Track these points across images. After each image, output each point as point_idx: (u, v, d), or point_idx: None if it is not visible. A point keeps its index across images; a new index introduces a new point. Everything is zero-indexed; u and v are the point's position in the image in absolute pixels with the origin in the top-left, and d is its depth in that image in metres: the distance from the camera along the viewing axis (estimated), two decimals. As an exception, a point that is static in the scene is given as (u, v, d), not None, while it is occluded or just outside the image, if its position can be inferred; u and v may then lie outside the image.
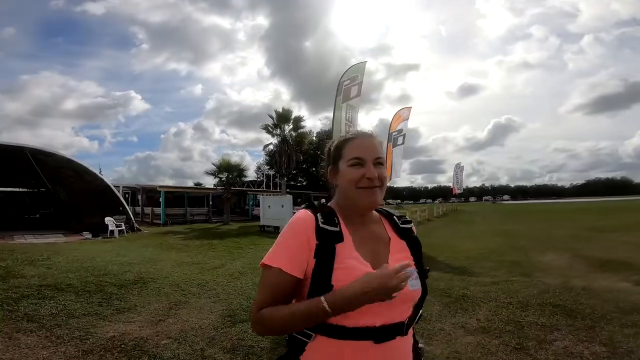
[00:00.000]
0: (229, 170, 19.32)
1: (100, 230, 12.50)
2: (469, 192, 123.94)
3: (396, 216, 0.98)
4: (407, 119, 13.43)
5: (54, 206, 16.95)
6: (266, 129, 21.48)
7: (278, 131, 21.71)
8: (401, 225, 0.96)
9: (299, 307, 0.81)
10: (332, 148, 0.98)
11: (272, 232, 14.86)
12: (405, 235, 0.95)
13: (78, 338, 3.17)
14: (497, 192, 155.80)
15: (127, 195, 22.04)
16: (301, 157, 26.83)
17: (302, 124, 22.29)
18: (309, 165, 44.52)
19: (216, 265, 6.97)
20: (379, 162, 0.90)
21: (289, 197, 16.01)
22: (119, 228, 12.92)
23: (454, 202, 61.64)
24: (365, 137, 0.93)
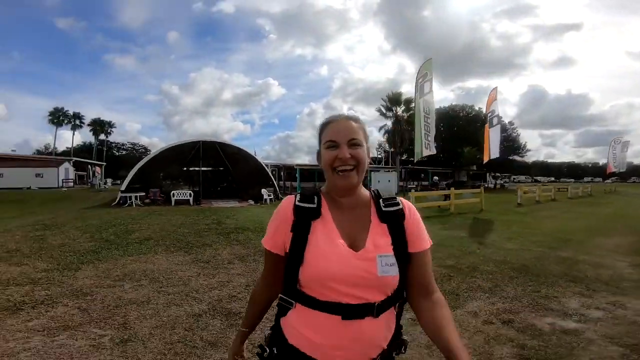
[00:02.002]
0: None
1: (258, 198, 18.02)
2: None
3: (382, 199, 0.97)
4: (496, 100, 13.85)
5: (229, 181, 24.12)
6: (379, 111, 24.01)
7: (390, 113, 23.91)
8: (383, 209, 0.95)
9: (245, 313, 1.13)
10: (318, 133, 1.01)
11: (381, 203, 17.78)
12: (389, 218, 0.94)
13: (260, 253, 6.99)
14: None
15: (273, 172, 28.46)
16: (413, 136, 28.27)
17: (414, 105, 23.86)
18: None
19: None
20: (354, 143, 0.92)
21: (394, 173, 18.64)
22: (269, 197, 18.24)
23: (611, 181, 50.35)
24: (341, 120, 0.96)
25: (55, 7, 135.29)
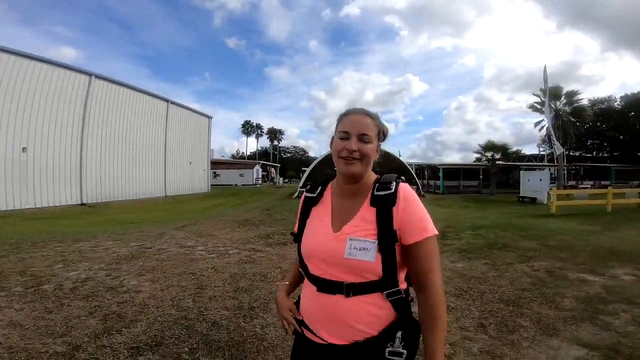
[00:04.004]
0: (493, 150, 22.74)
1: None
2: None
3: (379, 183, 1.01)
4: None
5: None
6: (532, 107, 22.53)
7: (548, 108, 22.19)
8: (375, 193, 0.98)
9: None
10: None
11: (528, 202, 17.32)
12: (378, 202, 0.97)
13: None
14: None
15: (418, 171, 30.17)
16: (583, 130, 24.80)
17: (579, 97, 21.36)
18: (615, 135, 36.72)
19: (457, 213, 12.11)
20: (363, 139, 0.98)
21: (547, 171, 17.72)
22: (412, 194, 20.51)
23: None
24: (356, 114, 1.02)
25: (222, 29, 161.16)
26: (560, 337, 2.58)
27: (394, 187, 0.98)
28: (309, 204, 1.11)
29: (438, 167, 27.15)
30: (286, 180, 52.14)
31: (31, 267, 4.46)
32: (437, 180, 27.54)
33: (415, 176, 22.88)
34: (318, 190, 1.11)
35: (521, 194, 18.87)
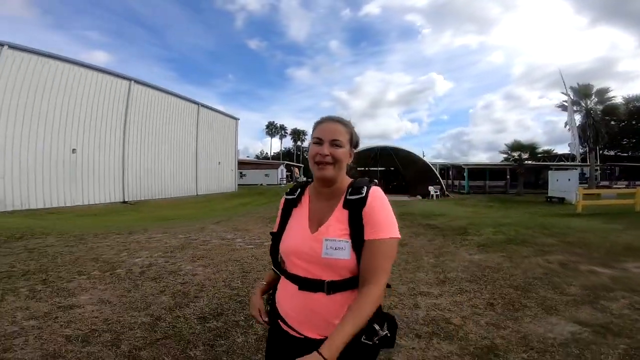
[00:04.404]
0: (520, 150, 22.40)
1: (425, 194, 20.69)
2: None
3: (352, 188, 1.08)
4: None
5: (399, 179, 27.62)
6: (561, 106, 22.01)
7: (577, 108, 21.60)
8: (347, 197, 1.07)
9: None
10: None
11: (557, 202, 17.06)
12: (350, 206, 1.05)
13: (420, 224, 9.95)
14: None
15: (442, 171, 30.00)
16: (617, 129, 23.90)
17: (611, 94, 20.68)
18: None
19: (481, 212, 12.27)
20: (335, 144, 1.07)
21: (576, 172, 17.37)
22: (436, 193, 20.56)
23: None
24: (329, 122, 1.11)
25: (243, 31, 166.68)
26: (560, 316, 2.98)
27: (365, 192, 1.05)
28: (290, 206, 1.19)
29: (463, 167, 26.95)
30: (310, 179, 52.90)
31: (101, 255, 5.24)
32: (462, 180, 27.33)
33: (439, 176, 22.89)
34: (297, 193, 1.19)
35: (549, 194, 18.58)
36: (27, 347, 2.43)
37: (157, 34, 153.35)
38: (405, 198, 20.57)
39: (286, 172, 47.46)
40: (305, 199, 1.17)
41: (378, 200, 1.05)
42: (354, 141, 1.15)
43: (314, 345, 0.91)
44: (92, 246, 5.89)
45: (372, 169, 26.21)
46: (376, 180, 1.15)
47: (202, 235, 6.99)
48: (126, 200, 17.95)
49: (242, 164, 39.38)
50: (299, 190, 1.20)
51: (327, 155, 1.06)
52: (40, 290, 3.58)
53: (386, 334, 0.99)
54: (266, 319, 1.19)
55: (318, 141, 1.08)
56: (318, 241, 1.04)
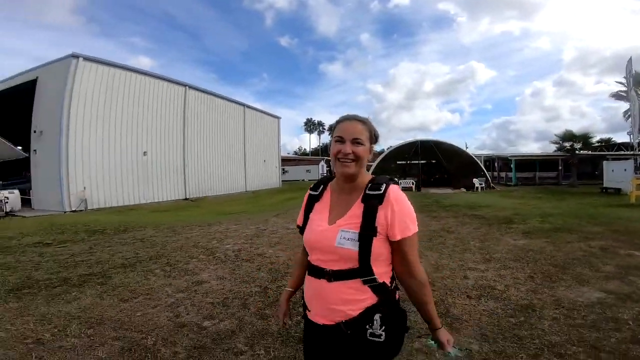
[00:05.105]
0: (572, 139, 21.49)
1: (469, 187, 20.63)
2: None
3: (372, 184, 1.13)
4: None
5: (443, 172, 27.49)
6: (615, 95, 20.71)
7: (634, 93, 20.21)
8: (367, 192, 1.12)
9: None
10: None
11: (613, 193, 16.36)
12: (368, 200, 1.10)
13: (466, 214, 10.34)
14: None
15: (487, 163, 29.31)
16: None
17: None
18: None
19: (529, 203, 12.23)
20: (356, 142, 1.12)
21: (631, 162, 16.52)
22: (481, 185, 20.44)
23: None
24: (349, 121, 1.16)
25: (273, 29, 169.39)
26: (590, 286, 3.57)
27: (383, 189, 1.10)
28: (313, 201, 1.26)
29: (510, 158, 26.24)
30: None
31: (198, 242, 6.39)
32: (508, 172, 26.63)
33: (483, 168, 22.60)
34: (320, 189, 1.27)
35: (605, 185, 17.80)
36: (191, 312, 3.15)
37: (194, 37, 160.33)
38: (448, 191, 20.68)
39: (326, 167, 48.54)
40: (327, 194, 1.24)
41: (400, 199, 1.10)
42: (373, 138, 1.20)
43: (329, 332, 1.12)
44: (187, 236, 7.10)
45: (413, 161, 26.34)
46: (396, 179, 1.20)
47: (268, 226, 8.08)
48: (187, 197, 19.90)
49: (284, 161, 40.97)
50: (322, 186, 1.28)
51: (350, 153, 1.12)
52: (169, 271, 4.46)
53: (379, 333, 1.06)
54: (286, 320, 1.41)
55: (340, 139, 1.14)
56: (334, 232, 1.10)
